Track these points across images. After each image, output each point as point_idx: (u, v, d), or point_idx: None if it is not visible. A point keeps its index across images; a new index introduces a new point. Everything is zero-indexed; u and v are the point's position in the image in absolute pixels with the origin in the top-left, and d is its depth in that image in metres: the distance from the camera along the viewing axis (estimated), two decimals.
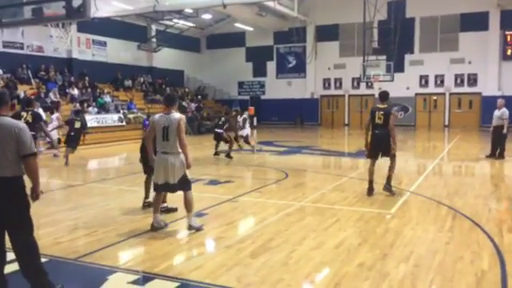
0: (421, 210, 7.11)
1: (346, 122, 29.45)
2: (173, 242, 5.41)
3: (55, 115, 14.82)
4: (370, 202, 7.51)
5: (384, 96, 8.07)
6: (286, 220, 6.40)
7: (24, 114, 9.53)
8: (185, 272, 4.44)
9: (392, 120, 7.74)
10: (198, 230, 5.71)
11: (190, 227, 5.72)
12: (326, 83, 29.70)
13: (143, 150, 6.57)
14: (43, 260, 4.70)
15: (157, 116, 5.66)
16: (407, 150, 17.86)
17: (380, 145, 7.86)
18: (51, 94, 19.48)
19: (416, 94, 27.61)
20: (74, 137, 12.69)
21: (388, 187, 7.90)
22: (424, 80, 27.41)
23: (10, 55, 19.72)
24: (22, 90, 18.57)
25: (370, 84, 26.57)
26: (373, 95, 28.05)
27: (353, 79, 28.32)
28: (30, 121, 9.22)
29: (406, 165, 12.79)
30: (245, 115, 14.90)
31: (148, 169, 6.49)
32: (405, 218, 6.47)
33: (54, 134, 13.92)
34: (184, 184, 5.60)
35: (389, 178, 7.89)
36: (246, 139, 14.33)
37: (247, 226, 6.33)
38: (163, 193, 5.98)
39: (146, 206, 6.86)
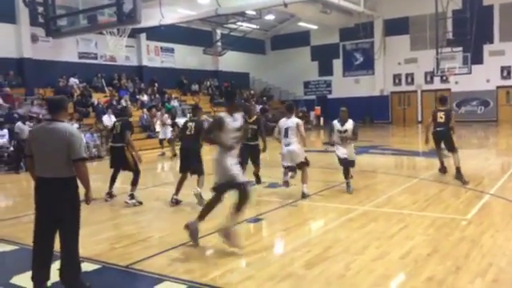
0: (503, 215, 6.34)
1: (420, 119, 27.87)
2: (223, 249, 5.18)
3: None
4: (444, 207, 6.84)
5: (444, 100, 9.50)
6: (348, 226, 5.96)
7: (190, 124, 7.93)
8: (234, 283, 4.19)
9: (453, 117, 9.07)
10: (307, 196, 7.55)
11: (304, 195, 7.57)
12: (397, 79, 28.34)
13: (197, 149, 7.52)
14: (97, 266, 4.74)
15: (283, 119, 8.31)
16: (489, 147, 16.47)
17: (441, 140, 9.18)
18: (123, 101, 20.31)
19: (497, 87, 25.48)
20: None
21: (459, 175, 8.67)
22: (506, 71, 25.21)
23: (85, 65, 20.88)
24: (97, 98, 19.56)
25: (444, 78, 24.90)
26: (449, 90, 26.40)
27: (425, 74, 26.75)
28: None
29: (486, 163, 11.72)
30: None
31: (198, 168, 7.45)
32: (483, 225, 5.76)
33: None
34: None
35: (458, 169, 8.78)
36: None
37: (304, 232, 5.96)
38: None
39: (174, 202, 7.53)
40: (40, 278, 3.95)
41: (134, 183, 7.80)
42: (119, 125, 7.89)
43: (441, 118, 9.04)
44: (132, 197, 7.76)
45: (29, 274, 4.02)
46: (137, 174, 7.87)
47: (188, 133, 7.42)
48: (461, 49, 22.09)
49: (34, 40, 18.60)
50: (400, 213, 6.53)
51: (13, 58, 18.14)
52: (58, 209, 3.86)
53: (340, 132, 8.03)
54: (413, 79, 27.78)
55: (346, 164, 8.02)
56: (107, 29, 7.92)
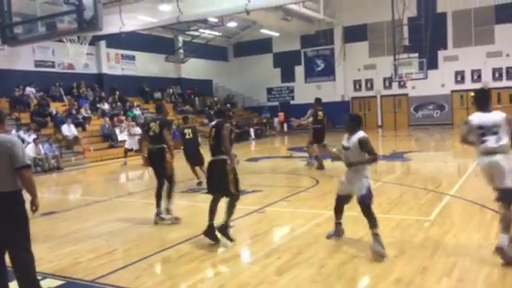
0: (463, 215, 6.57)
1: (380, 123, 28.62)
2: (194, 259, 5.11)
3: None
4: (407, 208, 7.03)
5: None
6: (316, 231, 6.00)
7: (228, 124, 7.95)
8: None
9: None
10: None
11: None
12: (357, 85, 28.99)
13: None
14: (60, 282, 4.56)
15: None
16: (446, 150, 17.09)
17: None
18: (82, 110, 19.78)
19: (452, 91, 26.52)
20: None
21: None
22: (460, 76, 26.28)
23: (42, 74, 20.16)
24: (55, 108, 18.94)
25: (402, 83, 25.72)
26: (406, 95, 27.22)
27: (384, 79, 27.51)
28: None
29: (444, 165, 12.14)
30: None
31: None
32: (445, 225, 5.95)
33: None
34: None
35: None
36: None
37: (273, 238, 5.97)
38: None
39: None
40: None
41: (170, 194, 6.92)
42: (157, 125, 6.93)
43: None
44: (168, 211, 6.88)
45: None
46: (172, 183, 6.94)
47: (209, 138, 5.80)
48: (417, 55, 22.87)
49: None
50: None
51: None
52: (5, 226, 3.66)
53: (344, 149, 5.16)
54: (372, 85, 28.50)
55: (342, 200, 5.50)
56: (67, 36, 7.70)
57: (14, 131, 16.01)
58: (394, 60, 22.07)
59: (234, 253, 5.33)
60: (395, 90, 27.41)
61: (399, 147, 17.99)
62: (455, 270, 4.33)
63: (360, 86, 28.89)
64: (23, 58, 19.13)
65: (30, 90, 18.91)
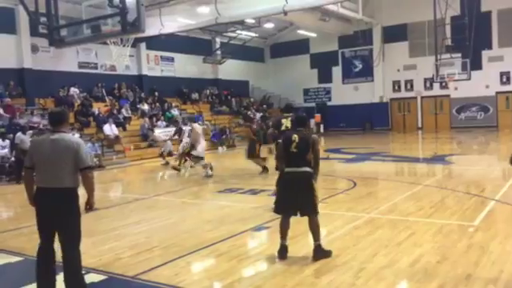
0: (509, 221, 6.31)
1: (420, 125, 27.91)
2: (231, 258, 5.13)
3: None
4: (450, 213, 6.80)
5: None
6: (354, 234, 5.91)
7: (284, 120, 7.80)
8: None
9: None
10: None
11: None
12: (396, 86, 28.39)
13: None
14: (103, 277, 4.69)
15: None
16: (490, 153, 16.47)
17: None
18: (123, 110, 20.31)
19: (497, 93, 25.53)
20: None
21: None
22: (505, 77, 25.27)
23: (85, 75, 20.89)
24: (97, 108, 19.55)
25: (444, 84, 24.97)
26: (448, 96, 26.42)
27: (425, 80, 26.80)
28: (289, 126, 7.47)
29: (489, 169, 11.71)
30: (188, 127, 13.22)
31: None
32: (491, 231, 5.72)
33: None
34: None
35: None
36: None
37: (311, 240, 5.90)
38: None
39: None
40: None
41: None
42: (289, 121, 7.05)
43: None
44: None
45: (33, 286, 3.98)
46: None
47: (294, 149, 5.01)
48: (460, 55, 22.13)
49: (34, 50, 18.61)
50: (406, 220, 6.49)
51: (13, 68, 18.14)
52: (60, 219, 3.90)
53: None
54: (412, 85, 27.83)
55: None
56: (111, 38, 7.93)
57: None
58: (436, 60, 21.44)
59: (271, 254, 5.32)
60: (436, 91, 26.66)
61: (441, 150, 17.48)
62: (501, 278, 4.15)
63: (399, 86, 28.28)
64: (67, 60, 19.87)
65: (74, 90, 19.62)
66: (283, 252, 5.00)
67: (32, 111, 17.20)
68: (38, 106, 18.34)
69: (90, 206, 4.05)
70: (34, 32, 16.01)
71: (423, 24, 25.71)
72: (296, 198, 4.96)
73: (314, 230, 5.00)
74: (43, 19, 6.75)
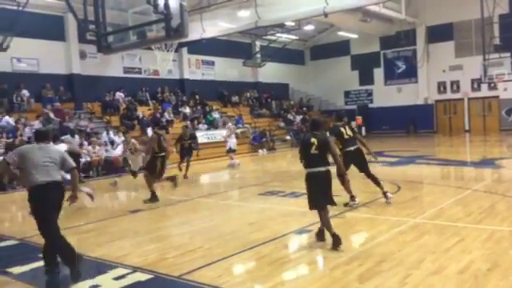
0: None
1: (467, 127, 26.92)
2: (274, 261, 5.13)
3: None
4: (501, 219, 6.51)
5: None
6: (400, 239, 5.77)
7: (342, 129, 8.10)
8: None
9: None
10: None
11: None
12: (441, 87, 27.53)
13: None
14: (149, 276, 4.82)
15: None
16: None
17: None
18: (166, 114, 20.77)
19: None
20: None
21: None
22: None
23: (130, 80, 21.53)
24: (141, 111, 20.08)
25: (492, 85, 24.00)
26: (497, 97, 25.37)
27: (472, 81, 25.86)
28: (351, 134, 8.04)
29: None
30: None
31: None
32: None
33: None
34: None
35: None
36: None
37: (354, 245, 5.81)
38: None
39: None
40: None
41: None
42: (348, 128, 7.91)
43: None
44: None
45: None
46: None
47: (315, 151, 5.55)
48: (509, 54, 21.26)
49: (82, 56, 19.39)
50: (454, 225, 6.27)
51: (63, 74, 18.96)
52: (59, 203, 4.97)
53: None
54: (458, 87, 26.91)
55: None
56: (155, 44, 8.15)
57: (104, 133, 17.23)
58: (484, 60, 20.66)
59: (315, 257, 5.28)
60: (484, 92, 25.66)
61: (489, 153, 16.78)
62: None
63: (445, 88, 27.42)
64: (113, 65, 20.56)
65: (119, 94, 20.26)
66: (337, 240, 5.38)
67: (80, 115, 17.90)
68: (86, 109, 19.07)
69: (74, 198, 5.15)
70: (82, 39, 16.62)
71: (469, 23, 24.85)
72: (326, 192, 5.61)
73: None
74: (91, 26, 7.01)
